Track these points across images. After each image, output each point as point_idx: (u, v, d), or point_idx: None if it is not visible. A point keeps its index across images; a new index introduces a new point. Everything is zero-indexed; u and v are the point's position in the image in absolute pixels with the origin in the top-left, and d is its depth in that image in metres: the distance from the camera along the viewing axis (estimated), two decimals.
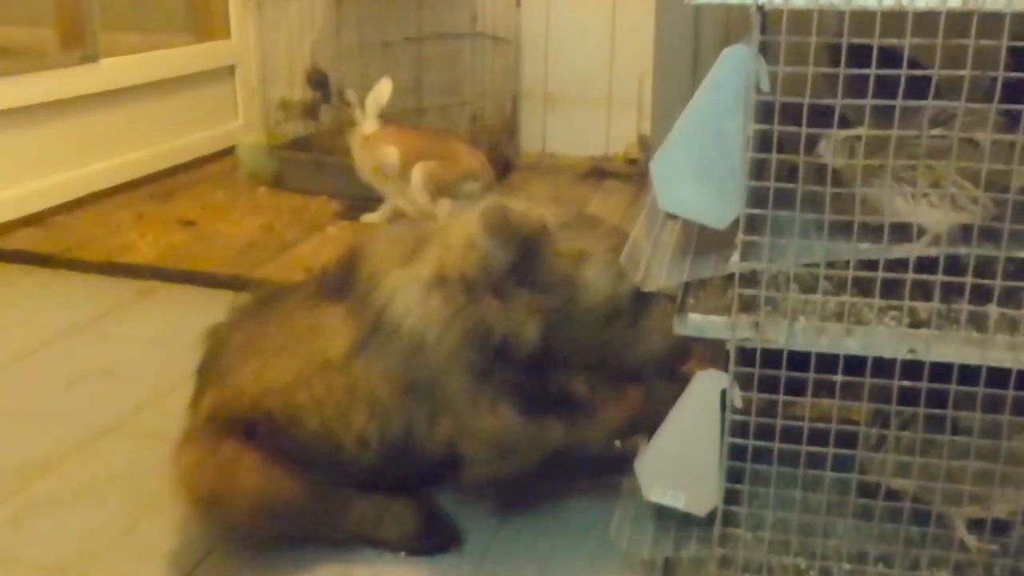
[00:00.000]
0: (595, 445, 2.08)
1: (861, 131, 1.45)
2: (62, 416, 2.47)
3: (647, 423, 1.84)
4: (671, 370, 1.97)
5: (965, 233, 1.51)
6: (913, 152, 1.47)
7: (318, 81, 4.47)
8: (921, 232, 1.52)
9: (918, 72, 1.34)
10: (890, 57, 1.38)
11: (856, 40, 1.38)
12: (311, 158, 4.28)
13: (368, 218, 3.91)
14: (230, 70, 4.89)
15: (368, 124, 3.81)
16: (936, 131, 1.42)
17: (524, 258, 1.80)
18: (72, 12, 4.07)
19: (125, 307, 3.17)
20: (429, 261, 1.87)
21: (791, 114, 1.41)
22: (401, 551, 1.94)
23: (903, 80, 1.35)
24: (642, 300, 1.86)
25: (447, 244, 1.88)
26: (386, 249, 1.94)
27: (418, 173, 3.63)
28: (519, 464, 1.95)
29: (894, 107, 1.38)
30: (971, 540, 1.65)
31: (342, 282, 1.95)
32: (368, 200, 3.98)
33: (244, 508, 1.85)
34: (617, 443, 2.15)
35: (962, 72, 1.33)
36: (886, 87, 1.37)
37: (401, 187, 3.75)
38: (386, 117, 3.85)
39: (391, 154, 3.72)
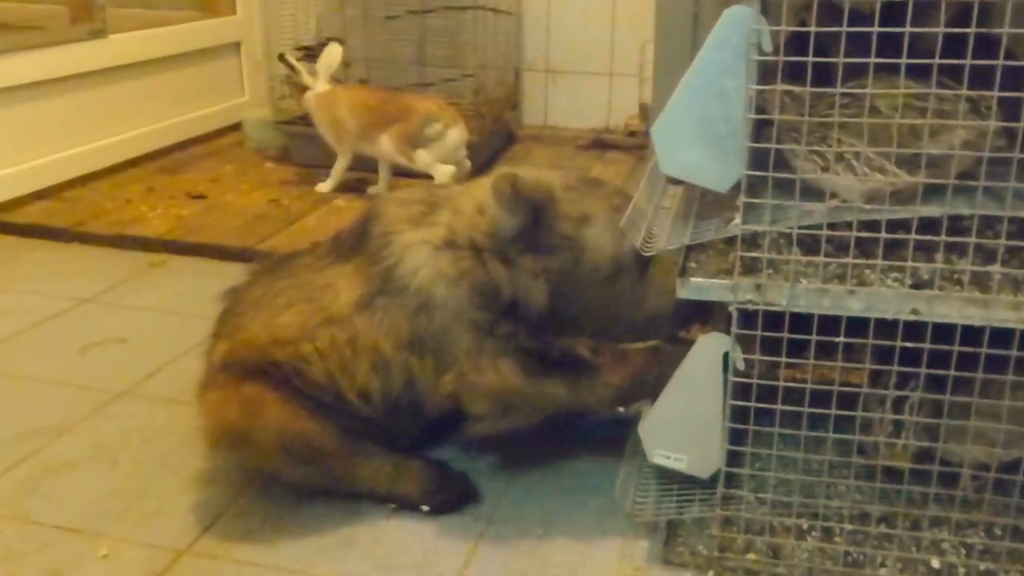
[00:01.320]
0: (598, 408, 2.08)
1: (779, 87, 1.41)
2: (77, 382, 2.47)
3: (650, 387, 1.82)
4: (680, 327, 1.96)
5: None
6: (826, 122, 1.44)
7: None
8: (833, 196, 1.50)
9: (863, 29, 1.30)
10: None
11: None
12: (317, 131, 4.23)
13: (321, 187, 3.94)
14: (236, 46, 4.86)
15: (320, 84, 3.85)
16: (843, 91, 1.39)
17: (532, 223, 1.81)
18: None
19: (136, 278, 3.16)
20: (439, 225, 1.88)
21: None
22: (421, 506, 1.93)
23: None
24: (647, 258, 1.82)
25: (457, 209, 1.89)
26: (398, 211, 1.94)
27: (387, 143, 3.68)
28: (522, 421, 1.95)
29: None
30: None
31: (355, 243, 1.96)
32: (374, 171, 3.95)
33: (267, 445, 1.85)
34: (621, 409, 2.13)
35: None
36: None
37: (358, 144, 3.81)
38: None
39: (347, 120, 3.78)
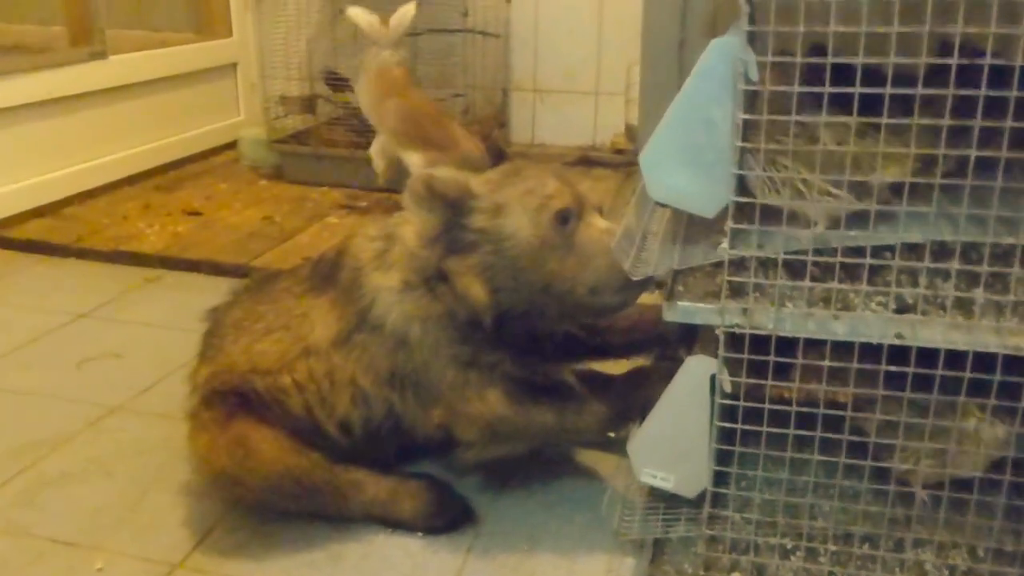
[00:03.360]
0: (588, 435, 2.01)
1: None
2: (72, 396, 2.44)
3: (637, 410, 1.77)
4: (629, 296, 1.82)
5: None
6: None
7: (336, 81, 4.47)
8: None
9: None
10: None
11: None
12: (310, 150, 4.23)
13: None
14: (232, 67, 4.85)
15: (389, 53, 3.57)
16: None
17: (452, 222, 1.76)
18: (81, 11, 4.03)
19: (132, 293, 3.13)
20: (395, 267, 1.84)
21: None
22: (416, 530, 1.89)
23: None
24: (570, 231, 1.77)
25: (402, 239, 1.85)
26: (365, 247, 1.90)
27: (417, 164, 3.48)
28: (512, 449, 1.92)
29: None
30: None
31: (329, 275, 1.93)
32: (369, 190, 3.92)
33: (259, 486, 1.82)
34: (611, 434, 2.08)
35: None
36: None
37: (387, 140, 3.59)
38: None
39: (390, 117, 3.52)
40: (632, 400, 1.87)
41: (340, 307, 1.86)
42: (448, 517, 1.90)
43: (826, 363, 1.45)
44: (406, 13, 3.58)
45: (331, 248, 2.01)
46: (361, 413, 1.88)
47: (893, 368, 1.41)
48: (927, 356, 1.40)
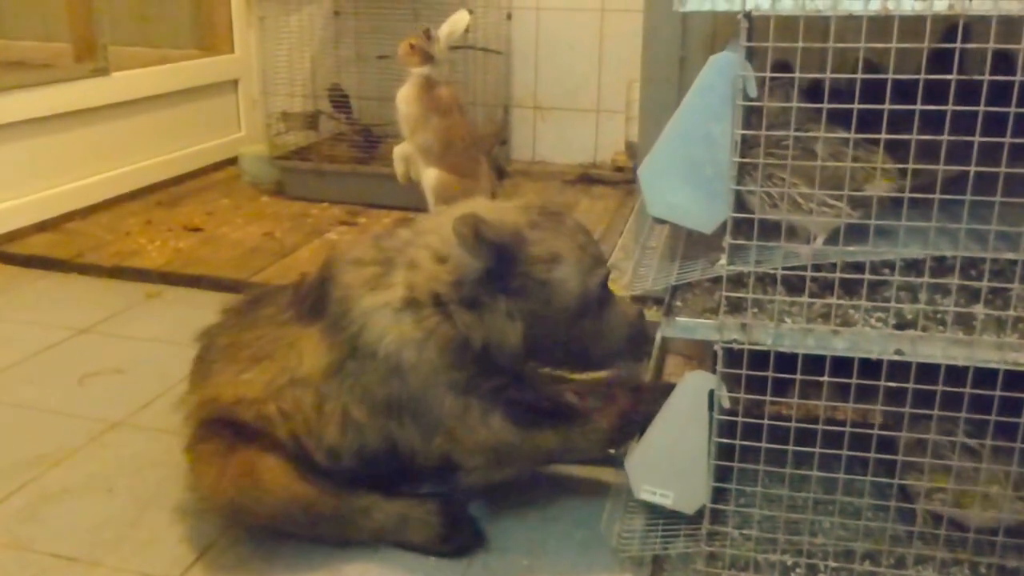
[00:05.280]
0: (590, 454, 1.99)
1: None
2: (74, 411, 2.43)
3: (637, 427, 1.79)
4: (632, 359, 1.93)
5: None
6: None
7: (340, 98, 4.46)
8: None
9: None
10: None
11: None
12: (312, 166, 4.23)
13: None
14: (233, 83, 4.85)
15: (435, 69, 3.45)
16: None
17: (500, 264, 1.72)
18: (85, 27, 4.03)
19: (133, 309, 3.12)
20: (396, 285, 1.79)
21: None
22: (427, 554, 1.87)
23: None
24: (606, 293, 1.81)
25: (413, 263, 1.79)
26: (354, 273, 1.84)
27: (431, 179, 3.45)
28: (515, 472, 1.90)
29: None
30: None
31: (314, 304, 1.87)
32: (369, 205, 3.91)
33: (268, 516, 1.81)
34: (612, 451, 2.05)
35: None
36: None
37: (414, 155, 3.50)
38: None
39: (426, 135, 3.42)
40: (632, 417, 1.86)
41: (330, 337, 1.81)
42: (457, 543, 1.88)
43: (853, 380, 1.45)
44: (459, 21, 3.47)
45: (311, 274, 1.95)
46: (353, 441, 1.84)
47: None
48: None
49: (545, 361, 1.90)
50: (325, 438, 1.83)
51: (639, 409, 1.85)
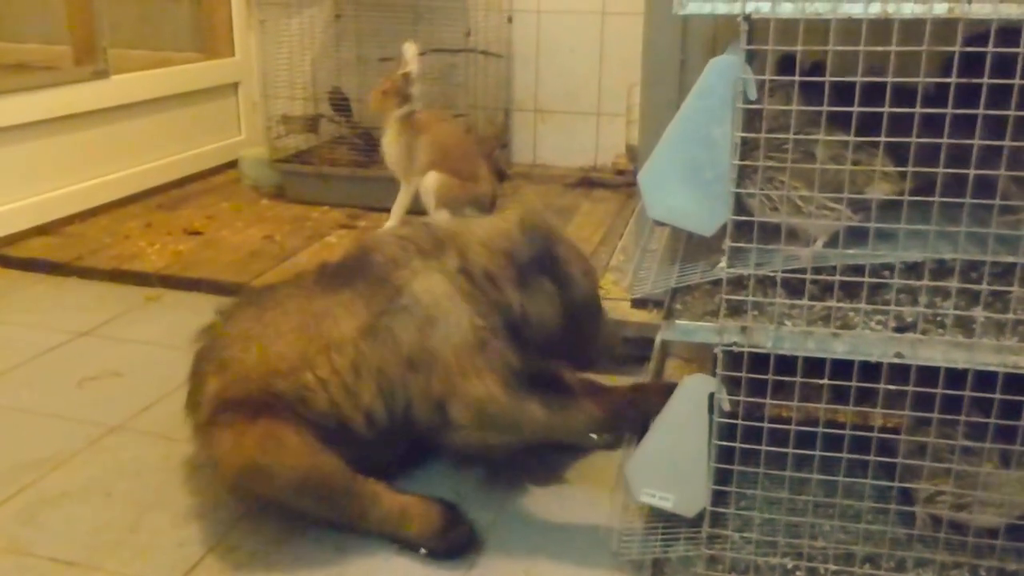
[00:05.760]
0: (576, 435, 2.12)
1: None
2: (72, 414, 2.43)
3: (629, 423, 1.92)
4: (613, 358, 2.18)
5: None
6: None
7: (340, 101, 4.47)
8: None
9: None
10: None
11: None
12: (312, 170, 4.23)
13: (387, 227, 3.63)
14: (234, 86, 4.86)
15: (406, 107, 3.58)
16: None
17: (546, 253, 1.94)
18: (85, 30, 4.04)
19: (133, 312, 3.13)
20: (451, 259, 1.94)
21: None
22: (420, 548, 1.89)
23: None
24: (599, 301, 2.08)
25: (463, 247, 1.96)
26: (402, 245, 1.98)
27: (432, 181, 3.50)
28: (500, 439, 1.96)
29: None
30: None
31: (348, 273, 1.97)
32: (370, 209, 3.93)
33: (288, 479, 1.83)
34: (594, 436, 2.15)
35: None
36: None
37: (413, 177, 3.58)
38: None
39: (421, 152, 3.52)
40: (626, 409, 1.97)
41: (367, 296, 1.91)
42: (452, 541, 1.89)
43: (856, 385, 1.45)
44: (409, 51, 3.59)
45: (345, 254, 2.07)
46: (384, 401, 1.91)
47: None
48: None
49: (544, 352, 2.02)
50: (363, 399, 1.90)
51: (634, 406, 1.96)
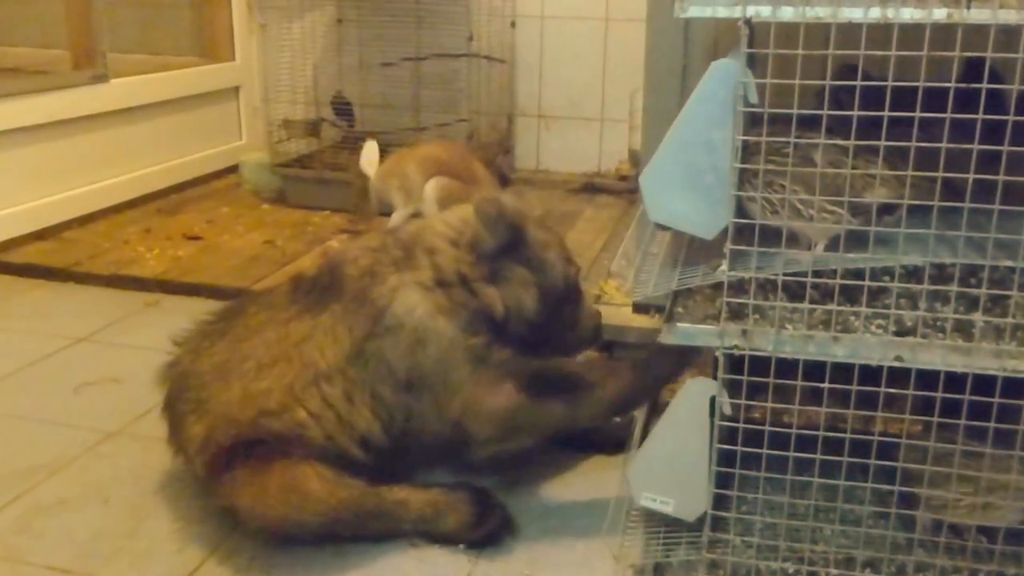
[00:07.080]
0: (597, 421, 2.15)
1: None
2: (70, 421, 2.44)
3: (641, 398, 2.04)
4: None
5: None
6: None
7: (342, 106, 4.50)
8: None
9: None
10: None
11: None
12: (313, 175, 4.26)
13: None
14: (234, 91, 4.88)
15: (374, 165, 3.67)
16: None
17: (513, 240, 1.92)
18: (84, 34, 4.06)
19: (131, 318, 3.14)
20: (424, 268, 1.91)
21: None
22: (460, 543, 1.91)
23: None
24: (579, 288, 2.09)
25: (431, 249, 1.94)
26: (373, 256, 1.95)
27: (433, 188, 3.47)
28: (525, 442, 1.99)
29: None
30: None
31: (323, 291, 1.95)
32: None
33: (318, 525, 1.84)
34: (616, 419, 2.21)
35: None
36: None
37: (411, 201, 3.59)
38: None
39: (414, 176, 3.53)
40: (635, 386, 1.97)
41: (349, 317, 1.89)
42: (489, 528, 1.92)
43: (853, 387, 1.47)
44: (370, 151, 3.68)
45: (313, 269, 2.04)
46: (381, 425, 1.91)
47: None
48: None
49: (527, 343, 1.99)
50: (358, 427, 1.89)
51: (642, 381, 1.97)
